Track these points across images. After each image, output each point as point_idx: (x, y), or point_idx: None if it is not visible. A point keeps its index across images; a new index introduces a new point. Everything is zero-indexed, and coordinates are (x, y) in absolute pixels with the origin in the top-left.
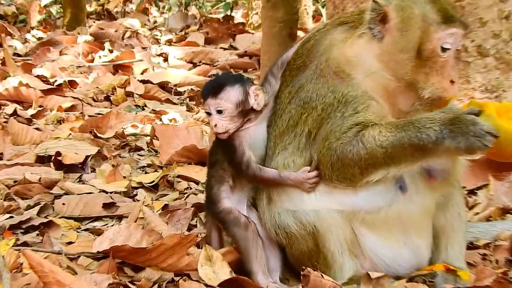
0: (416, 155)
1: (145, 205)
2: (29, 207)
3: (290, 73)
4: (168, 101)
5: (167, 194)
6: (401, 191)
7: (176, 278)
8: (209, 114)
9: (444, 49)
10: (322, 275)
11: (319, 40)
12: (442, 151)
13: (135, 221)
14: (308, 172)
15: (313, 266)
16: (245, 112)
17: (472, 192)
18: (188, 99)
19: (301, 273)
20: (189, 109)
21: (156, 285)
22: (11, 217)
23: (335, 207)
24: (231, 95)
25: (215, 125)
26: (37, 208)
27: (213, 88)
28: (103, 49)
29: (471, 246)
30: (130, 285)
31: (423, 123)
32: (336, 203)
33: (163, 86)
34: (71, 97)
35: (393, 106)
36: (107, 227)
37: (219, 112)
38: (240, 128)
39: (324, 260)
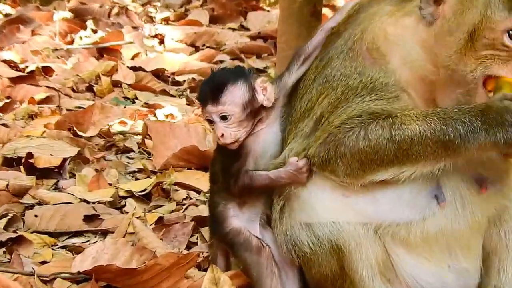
0: (440, 153)
1: (136, 218)
2: None
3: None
4: (164, 92)
5: (162, 205)
6: (436, 202)
7: None
8: (210, 121)
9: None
10: None
11: (364, 7)
12: (473, 148)
13: (123, 237)
14: (297, 161)
15: None
16: (255, 112)
17: None
18: (188, 90)
19: None
20: (190, 103)
21: None
22: None
23: (357, 218)
24: (235, 96)
25: (222, 135)
26: (4, 220)
27: (212, 91)
28: (84, 28)
29: None
30: None
31: (449, 114)
32: (356, 213)
33: (158, 74)
34: (46, 86)
35: (428, 103)
36: (89, 244)
37: (224, 118)
38: (251, 132)
39: (351, 284)
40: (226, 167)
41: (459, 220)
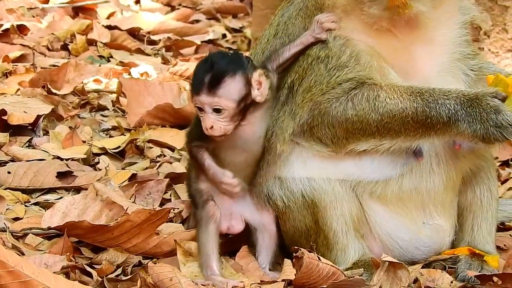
0: (420, 132)
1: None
2: None
3: None
4: (139, 51)
5: (136, 163)
6: (415, 158)
7: (144, 261)
8: (200, 109)
9: None
10: (319, 258)
11: None
12: (453, 133)
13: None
14: (231, 179)
15: (310, 247)
16: (246, 107)
17: (505, 164)
18: (164, 49)
19: (294, 254)
20: (165, 62)
21: (120, 269)
22: None
23: (336, 175)
24: (233, 90)
25: (211, 127)
26: None
27: (209, 81)
28: None
29: (502, 227)
30: (88, 268)
31: (435, 97)
32: (336, 170)
33: (134, 33)
34: (20, 45)
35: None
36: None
37: (217, 111)
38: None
39: (324, 240)
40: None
41: (433, 178)
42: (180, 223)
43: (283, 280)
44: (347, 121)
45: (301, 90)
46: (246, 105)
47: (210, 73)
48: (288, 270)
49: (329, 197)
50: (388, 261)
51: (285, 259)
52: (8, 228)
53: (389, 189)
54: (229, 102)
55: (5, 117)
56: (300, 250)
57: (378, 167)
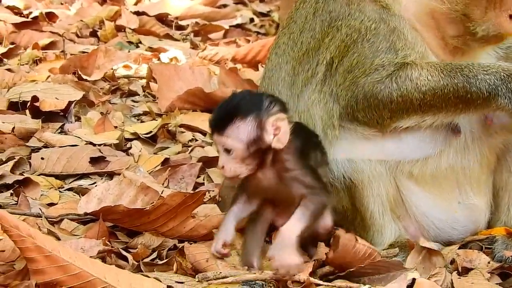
0: (460, 107)
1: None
2: (1, 162)
3: None
4: (167, 36)
5: (168, 147)
6: (453, 134)
7: (180, 245)
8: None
9: None
10: (356, 239)
11: None
12: (492, 108)
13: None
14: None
15: (347, 228)
16: (263, 152)
17: None
18: (192, 34)
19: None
20: (194, 47)
21: (156, 252)
22: None
23: (376, 156)
24: (241, 132)
25: (223, 166)
26: (10, 163)
27: (219, 120)
28: None
29: None
30: (124, 252)
31: (475, 72)
32: (377, 151)
33: (162, 19)
34: (50, 32)
35: (439, 39)
36: (96, 186)
37: (227, 151)
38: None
39: (361, 221)
40: None
41: (468, 155)
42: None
43: (314, 260)
44: (391, 103)
45: (342, 69)
46: (261, 150)
47: (222, 113)
48: (320, 251)
49: (366, 178)
50: (425, 247)
51: (319, 243)
52: (43, 213)
53: (426, 168)
54: (236, 143)
55: (37, 104)
56: (338, 229)
57: (417, 146)
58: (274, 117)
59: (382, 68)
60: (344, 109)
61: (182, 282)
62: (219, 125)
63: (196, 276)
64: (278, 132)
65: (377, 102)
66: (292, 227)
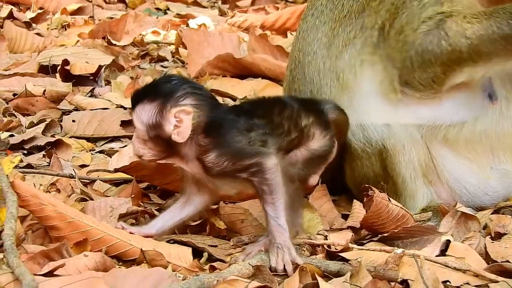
0: (509, 49)
1: None
2: (32, 125)
3: None
4: (196, 3)
5: None
6: (489, 100)
7: (214, 206)
8: None
9: None
10: (389, 199)
11: None
12: None
13: None
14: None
15: (381, 187)
16: (166, 142)
17: None
18: (220, 1)
19: (364, 193)
20: (222, 14)
21: None
22: (12, 135)
23: (413, 121)
24: (143, 113)
25: (132, 142)
26: (42, 125)
27: (135, 96)
28: None
29: None
30: (157, 213)
31: None
32: (415, 116)
33: None
34: None
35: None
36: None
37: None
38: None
39: (392, 186)
40: None
41: (503, 121)
42: None
43: (348, 227)
44: (442, 53)
45: (393, 32)
46: (163, 139)
47: (141, 90)
48: (356, 212)
49: (400, 143)
50: (459, 211)
51: (354, 200)
52: (77, 174)
53: (461, 134)
54: (138, 123)
55: (67, 67)
56: (372, 189)
57: (455, 111)
58: (178, 109)
59: (429, 20)
60: (400, 72)
61: (215, 246)
62: (133, 100)
63: (231, 239)
64: (180, 124)
65: (429, 55)
66: (278, 227)
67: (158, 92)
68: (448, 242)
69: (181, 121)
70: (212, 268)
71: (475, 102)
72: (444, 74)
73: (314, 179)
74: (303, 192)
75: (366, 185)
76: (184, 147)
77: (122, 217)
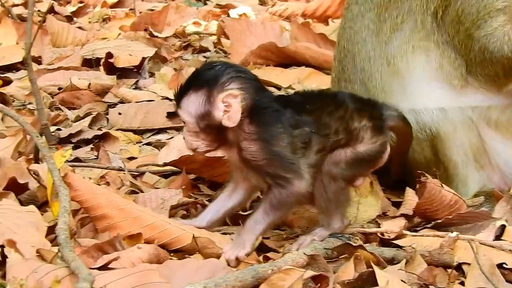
0: None
1: None
2: (78, 118)
3: None
4: None
5: None
6: None
7: None
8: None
9: None
10: (442, 185)
11: None
12: None
13: None
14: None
15: (434, 173)
16: (217, 129)
17: None
18: None
19: (416, 180)
20: (262, 3)
21: None
22: (58, 129)
23: (469, 104)
24: (191, 105)
25: (184, 137)
26: (88, 119)
27: (179, 92)
28: None
29: None
30: (208, 204)
31: None
32: (471, 100)
33: None
34: None
35: None
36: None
37: (184, 123)
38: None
39: (444, 172)
40: None
41: None
42: None
43: (402, 215)
44: (503, 57)
45: (449, 20)
46: (214, 127)
47: (183, 84)
48: (409, 199)
49: (449, 128)
50: None
51: (407, 188)
52: (126, 167)
53: (506, 114)
54: (187, 115)
55: (111, 60)
56: (425, 175)
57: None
58: (225, 93)
59: (490, 18)
60: (465, 62)
61: (267, 238)
62: (177, 96)
63: (284, 231)
64: (229, 109)
65: (490, 55)
66: (253, 228)
67: (202, 81)
68: (503, 227)
69: (230, 105)
70: (266, 259)
71: None
72: (505, 77)
73: (359, 181)
74: (347, 190)
75: (419, 172)
76: (232, 132)
77: (173, 208)
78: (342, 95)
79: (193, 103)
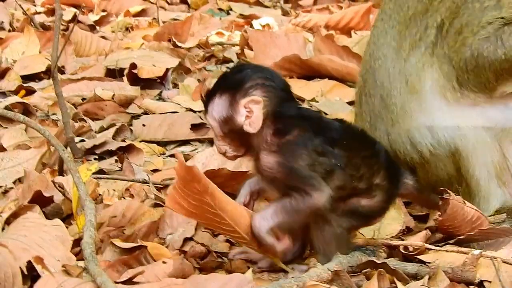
0: None
1: None
2: (102, 129)
3: None
4: (258, 3)
5: None
6: None
7: None
8: None
9: None
10: (464, 202)
11: None
12: None
13: None
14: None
15: (456, 190)
16: (241, 134)
17: None
18: (282, 1)
19: (439, 196)
20: (284, 13)
21: None
22: (82, 140)
23: (482, 123)
24: (215, 110)
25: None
26: (112, 130)
27: (205, 96)
28: None
29: None
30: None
31: None
32: (484, 118)
33: None
34: None
35: None
36: (197, 152)
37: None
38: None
39: (466, 188)
40: None
41: None
42: None
43: (426, 228)
44: (497, 61)
45: (453, 31)
46: (236, 131)
47: (210, 89)
48: (431, 218)
49: (472, 144)
50: None
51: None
52: (150, 179)
53: None
54: (211, 120)
55: (135, 71)
56: (447, 192)
57: None
58: (248, 99)
59: (489, 25)
60: (457, 72)
61: None
62: (204, 101)
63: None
64: (251, 115)
65: (483, 60)
66: (260, 223)
67: (227, 85)
68: None
69: (251, 111)
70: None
71: None
72: (496, 82)
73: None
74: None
75: (442, 188)
76: (255, 139)
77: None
78: (379, 146)
79: (217, 107)
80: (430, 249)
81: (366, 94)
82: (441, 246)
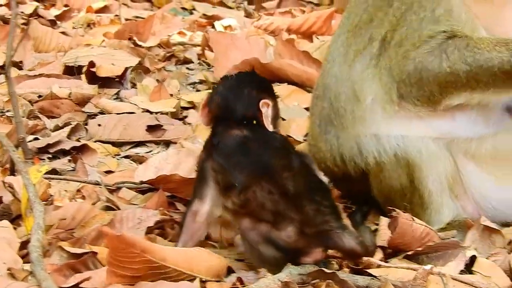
0: (508, 84)
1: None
2: (57, 128)
3: None
4: (221, 4)
5: None
6: (508, 114)
7: None
8: None
9: None
10: (413, 218)
11: None
12: None
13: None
14: None
15: (404, 207)
16: None
17: None
18: (246, 2)
19: (388, 214)
20: (248, 15)
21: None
22: (36, 138)
23: (431, 134)
24: None
25: None
26: (67, 129)
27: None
28: None
29: None
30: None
31: None
32: (431, 129)
33: None
34: None
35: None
36: (152, 154)
37: None
38: None
39: (419, 199)
40: None
41: None
42: None
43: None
44: (440, 74)
45: (393, 43)
46: None
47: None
48: (383, 230)
49: (424, 156)
50: (484, 224)
51: (381, 217)
52: (102, 181)
53: (483, 148)
54: None
55: (93, 69)
56: (395, 210)
57: (471, 125)
58: (263, 101)
59: (432, 39)
60: (398, 85)
61: (241, 260)
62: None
63: None
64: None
65: (427, 74)
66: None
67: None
68: (473, 258)
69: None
70: (240, 282)
71: (493, 116)
72: (441, 95)
73: None
74: None
75: (389, 207)
76: None
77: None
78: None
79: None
80: (380, 266)
81: (317, 97)
82: (387, 262)
